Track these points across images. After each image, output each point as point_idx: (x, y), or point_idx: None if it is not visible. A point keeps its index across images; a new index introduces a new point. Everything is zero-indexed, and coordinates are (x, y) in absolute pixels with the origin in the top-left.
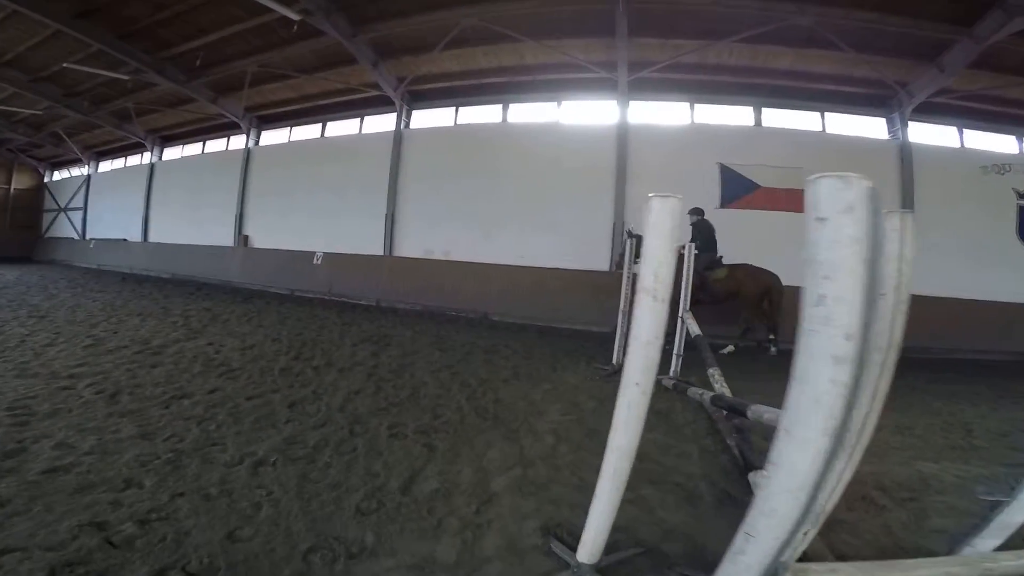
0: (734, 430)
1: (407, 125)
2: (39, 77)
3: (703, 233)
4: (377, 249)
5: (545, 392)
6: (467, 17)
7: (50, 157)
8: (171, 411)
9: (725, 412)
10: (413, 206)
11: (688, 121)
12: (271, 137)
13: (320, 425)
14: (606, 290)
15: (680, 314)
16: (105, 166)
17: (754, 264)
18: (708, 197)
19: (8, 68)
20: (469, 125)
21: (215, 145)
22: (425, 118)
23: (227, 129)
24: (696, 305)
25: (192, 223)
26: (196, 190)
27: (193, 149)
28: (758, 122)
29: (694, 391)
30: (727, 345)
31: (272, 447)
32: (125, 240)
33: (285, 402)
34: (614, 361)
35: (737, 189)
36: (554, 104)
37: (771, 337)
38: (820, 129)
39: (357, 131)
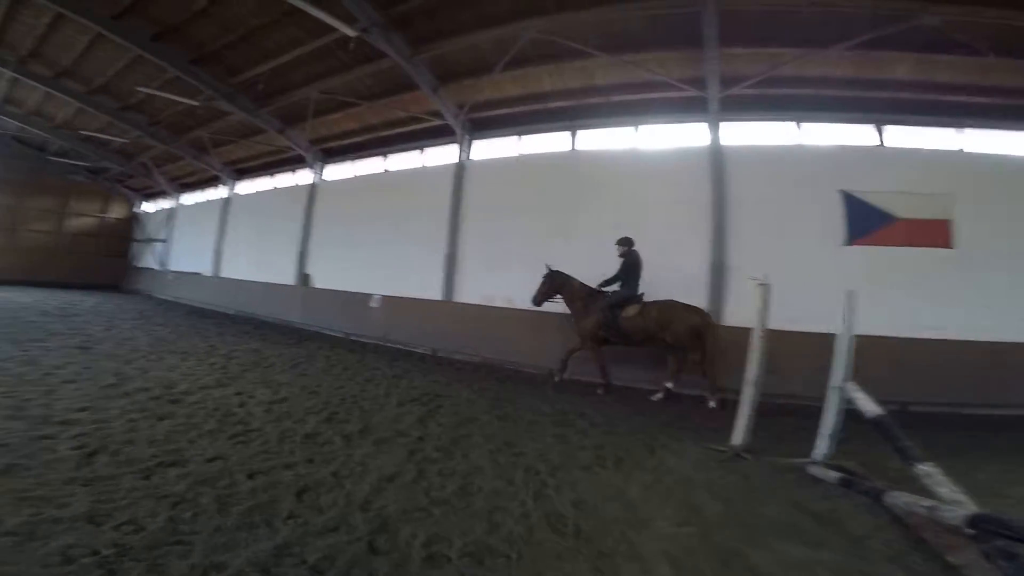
0: (1001, 555)
1: (468, 156)
2: (126, 105)
3: (629, 266)
4: (436, 293)
5: (645, 487)
6: (527, 30)
7: (142, 188)
8: (148, 483)
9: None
10: (474, 245)
11: (794, 142)
12: (335, 171)
13: (331, 529)
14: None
15: (838, 383)
16: (188, 199)
17: (680, 301)
18: (828, 230)
19: (100, 94)
20: (534, 155)
21: (284, 179)
22: (487, 148)
23: (294, 163)
24: (605, 344)
25: (258, 259)
26: (263, 225)
27: (264, 183)
28: (880, 141)
29: (896, 498)
30: (656, 392)
31: (252, 559)
32: (198, 274)
33: (295, 487)
34: (735, 441)
35: (867, 221)
36: (630, 129)
37: (711, 388)
38: (958, 148)
39: (418, 164)
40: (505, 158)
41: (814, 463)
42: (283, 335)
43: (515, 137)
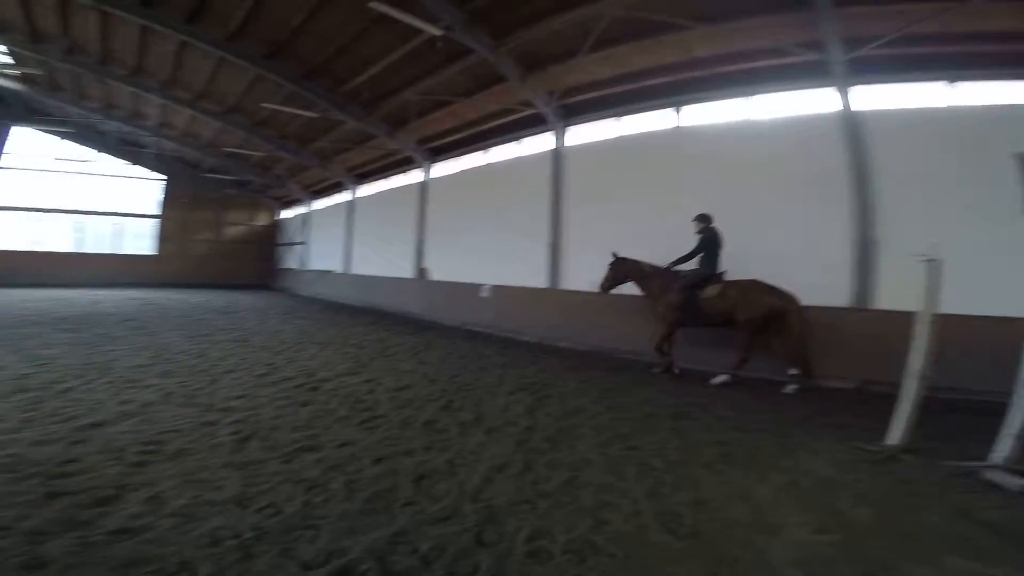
0: None
1: (564, 142)
2: (257, 122)
3: (706, 243)
4: (541, 280)
5: (778, 488)
6: (609, 8)
7: (281, 197)
8: (289, 468)
9: None
10: (576, 231)
11: (947, 104)
12: (442, 168)
13: (443, 519)
14: (854, 332)
15: None
16: (319, 204)
17: (763, 281)
18: (999, 199)
19: (233, 113)
20: (633, 136)
21: (397, 180)
22: (583, 133)
23: (405, 164)
24: (682, 327)
25: (381, 255)
26: (383, 224)
27: (381, 185)
28: None
29: None
30: (718, 375)
31: (371, 546)
32: (331, 272)
33: (413, 473)
34: (892, 440)
35: None
36: (739, 101)
37: (792, 372)
38: None
39: (516, 154)
40: (603, 141)
41: (993, 467)
42: (404, 325)
43: (612, 119)
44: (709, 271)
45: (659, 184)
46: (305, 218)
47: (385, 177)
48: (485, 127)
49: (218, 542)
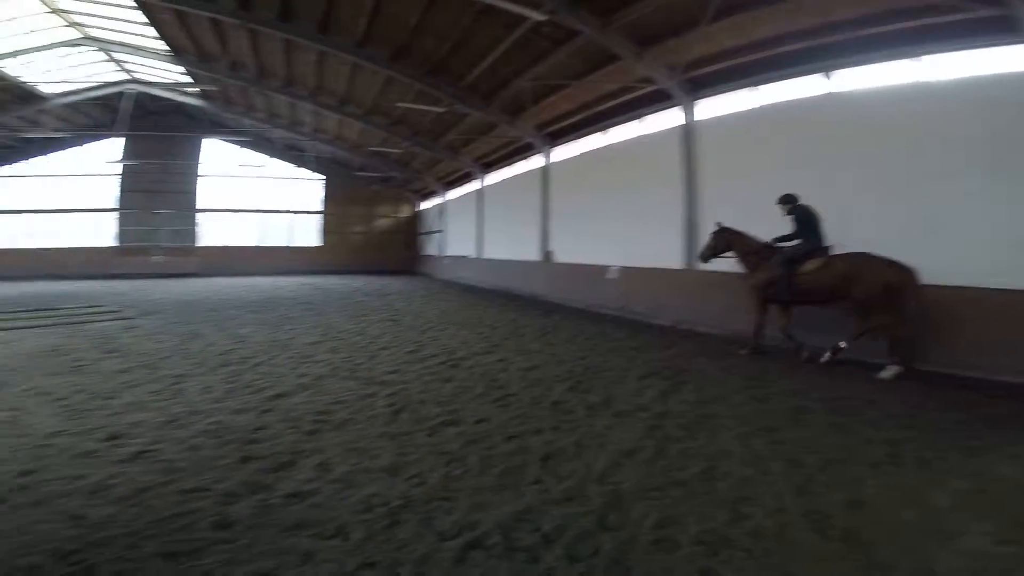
0: None
1: (693, 117)
2: (393, 121)
3: (802, 221)
4: (674, 261)
5: (958, 494)
6: None
7: (419, 190)
8: (432, 441)
9: None
10: (713, 208)
11: None
12: (562, 152)
13: (566, 499)
14: None
15: None
16: (452, 194)
17: (874, 253)
18: None
19: (374, 115)
20: (775, 105)
21: (520, 166)
22: (714, 106)
23: (526, 150)
24: (773, 304)
25: (509, 240)
26: (510, 209)
27: (505, 172)
28: None
29: None
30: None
31: (499, 521)
32: (466, 257)
33: (541, 452)
34: None
35: None
36: (902, 63)
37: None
38: None
39: (640, 132)
40: (739, 113)
41: None
42: (532, 307)
43: (747, 89)
44: (810, 246)
45: (809, 156)
46: (441, 208)
47: (509, 164)
48: (602, 108)
49: (370, 508)
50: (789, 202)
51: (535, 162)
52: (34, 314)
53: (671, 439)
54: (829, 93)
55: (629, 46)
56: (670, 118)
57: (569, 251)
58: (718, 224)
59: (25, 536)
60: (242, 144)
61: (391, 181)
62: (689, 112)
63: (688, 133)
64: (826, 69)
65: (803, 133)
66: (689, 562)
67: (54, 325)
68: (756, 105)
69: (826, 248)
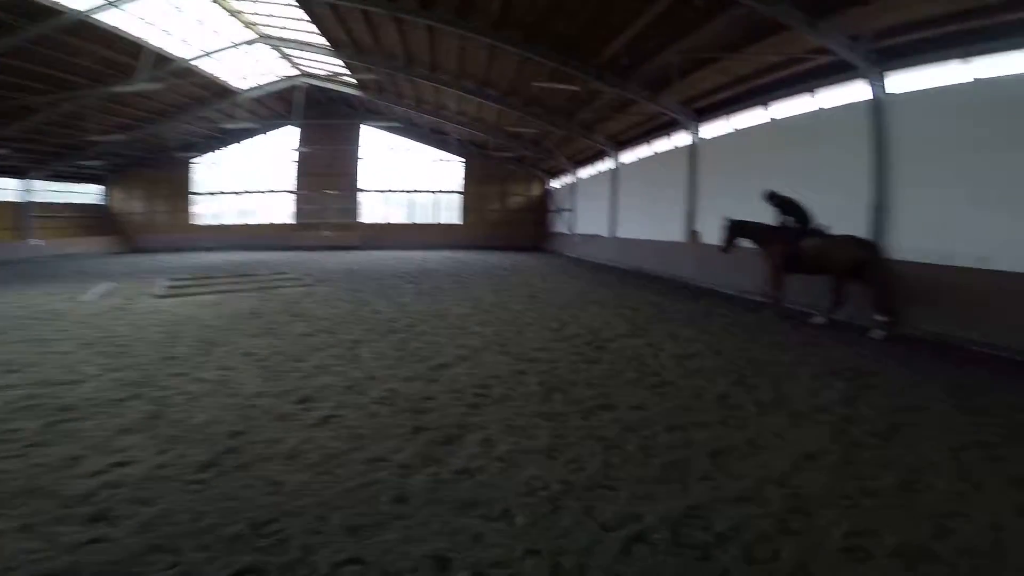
0: None
1: (884, 90)
2: (528, 100)
3: (791, 208)
4: None
5: None
6: None
7: (550, 168)
8: (588, 424)
9: None
10: (910, 190)
11: None
12: (712, 128)
13: (742, 499)
14: None
15: None
16: (584, 172)
17: (855, 235)
18: None
19: (510, 96)
20: (997, 79)
21: (661, 144)
22: (910, 79)
23: (669, 127)
24: (787, 273)
25: (646, 219)
26: (648, 188)
27: (643, 151)
28: None
29: None
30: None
31: (664, 516)
32: (597, 235)
33: (708, 446)
34: None
35: None
36: None
37: (878, 318)
38: None
39: (811, 108)
40: (947, 87)
41: None
42: (676, 290)
43: (956, 61)
44: (800, 227)
45: None
46: (571, 187)
47: (647, 142)
48: (763, 81)
49: (532, 492)
50: (772, 199)
51: (678, 139)
52: (236, 279)
53: (861, 445)
54: None
55: (799, 15)
56: (852, 92)
57: (718, 232)
58: (728, 219)
59: (231, 502)
60: (393, 130)
61: (523, 161)
62: (879, 84)
63: (877, 108)
64: None
65: None
66: (884, 573)
67: (250, 289)
68: (970, 79)
69: (821, 229)
